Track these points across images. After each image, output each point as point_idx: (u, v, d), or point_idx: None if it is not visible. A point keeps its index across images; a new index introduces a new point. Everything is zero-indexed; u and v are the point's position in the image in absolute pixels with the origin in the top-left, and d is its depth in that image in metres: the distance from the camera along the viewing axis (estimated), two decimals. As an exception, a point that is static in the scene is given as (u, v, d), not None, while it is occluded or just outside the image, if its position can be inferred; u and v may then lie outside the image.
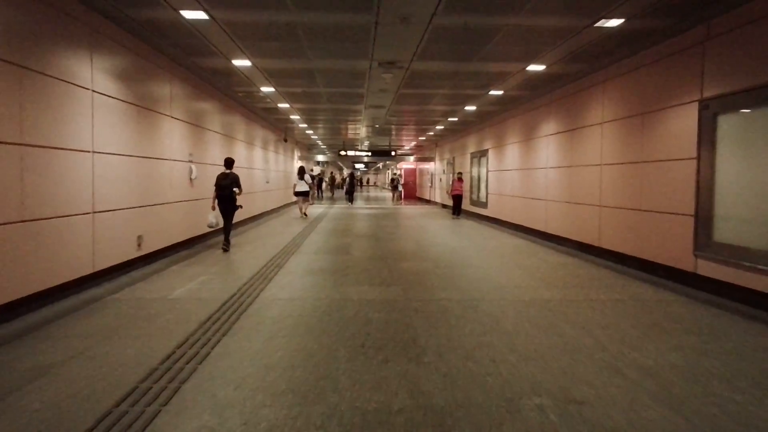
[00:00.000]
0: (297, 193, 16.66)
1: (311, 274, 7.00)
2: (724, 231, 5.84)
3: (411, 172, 34.77)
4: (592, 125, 9.04)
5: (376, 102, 13.21)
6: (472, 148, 18.29)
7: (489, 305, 5.42)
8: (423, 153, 30.09)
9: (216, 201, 8.80)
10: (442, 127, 18.64)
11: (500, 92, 11.29)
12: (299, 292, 5.98)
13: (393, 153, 25.75)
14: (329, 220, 15.99)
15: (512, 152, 13.63)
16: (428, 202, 28.57)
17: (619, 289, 6.31)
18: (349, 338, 4.29)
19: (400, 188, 29.52)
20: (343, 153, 25.60)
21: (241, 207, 9.21)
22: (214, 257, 8.41)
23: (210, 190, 9.14)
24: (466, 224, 15.14)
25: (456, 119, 16.17)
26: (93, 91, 5.98)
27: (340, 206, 24.56)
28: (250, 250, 9.21)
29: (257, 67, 9.19)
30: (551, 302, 5.59)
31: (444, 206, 23.63)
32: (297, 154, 26.15)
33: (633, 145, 7.69)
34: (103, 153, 6.22)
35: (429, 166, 28.94)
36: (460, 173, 16.18)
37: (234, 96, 12.30)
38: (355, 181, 28.35)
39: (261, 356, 3.85)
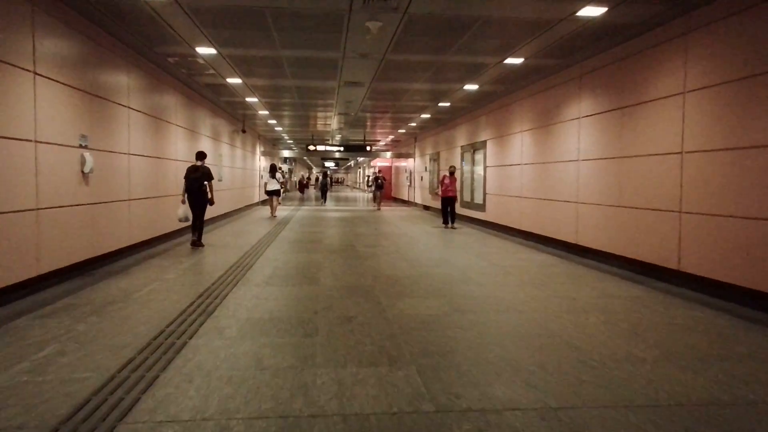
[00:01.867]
0: (268, 192, 15.97)
1: (250, 338, 4.14)
2: None
3: (386, 171, 32.00)
4: (661, 99, 6.47)
5: (354, 76, 10.40)
6: (462, 141, 15.66)
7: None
8: (400, 149, 27.39)
9: (185, 195, 8.63)
10: (428, 115, 15.94)
11: (519, 60, 8.64)
12: (214, 407, 3.10)
13: (368, 148, 22.94)
14: (296, 226, 13.09)
15: (521, 143, 11.03)
16: (406, 203, 25.89)
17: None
18: None
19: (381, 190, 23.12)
20: (311, 148, 22.64)
21: (212, 202, 8.96)
22: (74, 319, 5.45)
23: (130, 189, 7.82)
24: (460, 230, 12.51)
25: (448, 104, 13.50)
26: None
27: (310, 207, 21.61)
28: (159, 288, 6.24)
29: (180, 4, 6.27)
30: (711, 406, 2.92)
31: (426, 208, 20.98)
32: (260, 149, 23.06)
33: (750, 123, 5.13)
34: None
35: (407, 163, 26.24)
36: (452, 168, 13.37)
37: (165, 66, 9.29)
38: (327, 180, 27.92)
39: None
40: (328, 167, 57.82)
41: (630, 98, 7.11)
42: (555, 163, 9.43)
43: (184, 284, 5.88)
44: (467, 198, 15.08)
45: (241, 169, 18.11)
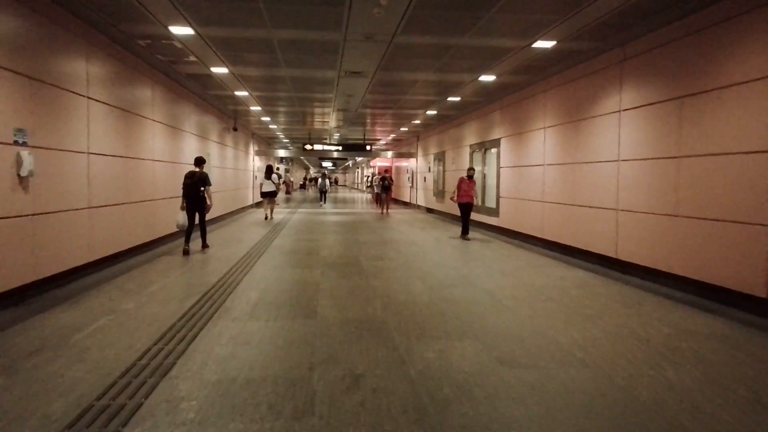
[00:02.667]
0: (264, 194, 15.17)
1: (215, 424, 2.88)
2: None
3: (385, 171, 30.74)
4: (737, 84, 5.24)
5: (356, 64, 9.15)
6: (471, 139, 14.41)
7: None
8: (401, 148, 26.15)
9: (184, 201, 8.53)
10: (434, 112, 14.69)
11: (550, 44, 7.40)
12: None
13: (368, 147, 21.68)
14: (291, 232, 11.83)
15: (544, 140, 9.79)
16: (407, 205, 24.63)
17: None
18: None
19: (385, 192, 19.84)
20: (308, 147, 21.37)
21: (209, 206, 8.80)
22: None
23: (90, 195, 6.65)
24: (473, 238, 11.27)
25: (458, 98, 12.26)
26: None
27: (307, 210, 20.34)
28: (108, 326, 4.95)
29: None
30: None
31: (429, 211, 19.74)
32: (253, 148, 21.78)
33: None
34: None
35: (408, 163, 24.99)
36: (471, 170, 11.52)
37: (137, 50, 8.01)
38: (326, 180, 26.56)
39: None
40: (326, 167, 56.62)
41: (695, 85, 5.87)
42: (588, 164, 8.19)
43: (144, 319, 4.61)
44: (492, 203, 13.82)
45: (233, 169, 16.83)
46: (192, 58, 8.64)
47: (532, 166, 10.29)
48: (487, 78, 9.85)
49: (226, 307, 5.12)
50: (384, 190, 19.54)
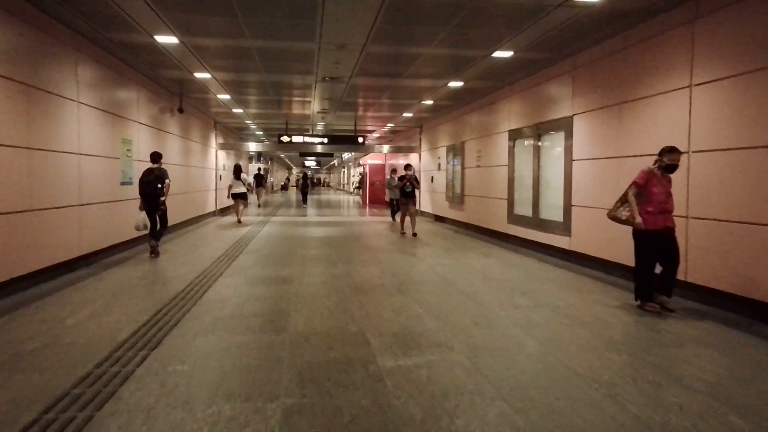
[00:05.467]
0: (233, 196, 14.29)
1: None
2: None
3: (379, 169, 26.50)
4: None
5: (338, 35, 4.96)
6: (512, 122, 10.24)
7: None
8: (398, 141, 21.92)
9: (142, 200, 7.86)
10: (459, 83, 10.44)
11: None
12: None
13: (360, 140, 17.41)
14: (252, 260, 7.52)
15: (686, 110, 5.64)
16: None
17: None
18: None
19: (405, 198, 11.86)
20: (285, 139, 17.03)
21: (164, 207, 7.93)
22: None
23: None
24: (534, 268, 7.11)
25: (499, 58, 8.08)
26: None
27: (285, 217, 15.95)
28: None
29: None
30: None
31: (438, 219, 15.54)
32: (216, 141, 17.35)
33: None
34: None
35: (406, 160, 20.76)
36: (675, 156, 4.93)
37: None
38: (308, 181, 25.38)
39: None
40: (309, 166, 52.21)
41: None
42: None
43: None
44: (523, 210, 9.67)
45: (181, 166, 12.43)
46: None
47: (653, 156, 6.13)
48: (560, 14, 5.68)
49: None
50: (407, 196, 11.49)
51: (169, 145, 11.43)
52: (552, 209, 8.63)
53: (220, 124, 17.60)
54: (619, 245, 6.52)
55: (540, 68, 8.79)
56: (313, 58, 8.34)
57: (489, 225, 11.44)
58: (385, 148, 19.32)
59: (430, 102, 12.74)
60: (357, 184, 35.00)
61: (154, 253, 7.99)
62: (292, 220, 15.96)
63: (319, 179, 75.23)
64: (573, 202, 7.89)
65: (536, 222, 9.11)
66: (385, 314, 4.84)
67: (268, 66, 9.05)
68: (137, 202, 8.81)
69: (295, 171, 64.06)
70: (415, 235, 11.31)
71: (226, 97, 12.26)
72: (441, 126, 15.56)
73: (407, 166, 11.71)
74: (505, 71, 9.16)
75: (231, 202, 19.18)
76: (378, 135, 22.11)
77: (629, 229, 5.16)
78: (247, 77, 10.06)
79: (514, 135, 10.14)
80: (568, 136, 8.03)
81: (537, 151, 9.19)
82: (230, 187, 14.26)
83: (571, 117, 7.96)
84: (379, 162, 26.40)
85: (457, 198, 13.62)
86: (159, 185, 7.82)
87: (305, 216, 17.68)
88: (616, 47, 6.87)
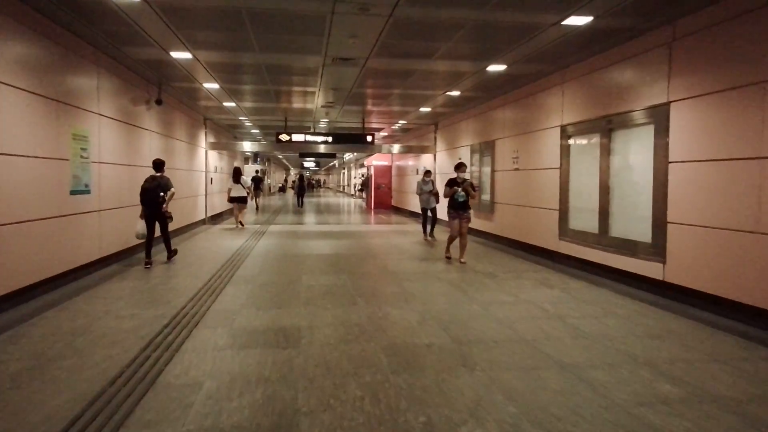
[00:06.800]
0: (232, 199, 14.00)
1: None
2: None
3: (385, 171, 24.52)
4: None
5: None
6: (569, 115, 8.28)
7: None
8: (408, 140, 19.94)
9: (143, 209, 7.64)
10: (501, 66, 8.44)
11: None
12: None
13: (369, 138, 15.42)
14: (244, 299, 5.53)
15: None
16: (415, 215, 18.37)
17: None
18: None
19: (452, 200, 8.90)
20: (285, 138, 15.06)
21: (170, 217, 7.82)
22: None
23: None
24: (624, 309, 5.15)
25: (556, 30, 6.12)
26: None
27: (282, 227, 13.94)
28: None
29: None
30: None
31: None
32: (207, 140, 15.33)
33: None
34: None
35: (414, 162, 18.79)
36: None
37: None
38: (304, 183, 25.28)
39: None
40: (308, 168, 50.22)
41: None
42: None
43: None
44: (582, 224, 7.70)
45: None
46: None
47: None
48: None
49: None
50: (459, 207, 8.44)
51: (144, 143, 9.43)
52: (632, 225, 6.66)
53: (210, 121, 15.59)
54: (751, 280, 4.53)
55: (617, 42, 6.81)
56: (324, 29, 6.36)
57: (530, 239, 9.48)
58: (396, 147, 17.31)
59: (456, 93, 10.76)
60: (359, 187, 33.01)
61: (150, 263, 7.60)
62: (292, 229, 13.96)
63: (318, 181, 73.15)
64: (670, 218, 5.92)
65: (606, 240, 7.14)
66: (462, 429, 2.85)
67: (265, 42, 7.06)
68: (96, 215, 6.79)
69: (293, 172, 62.05)
70: (463, 262, 8.29)
71: (215, 86, 10.26)
72: (462, 123, 13.59)
73: (459, 166, 8.67)
74: (567, 48, 7.18)
75: (224, 208, 17.29)
76: (385, 134, 20.13)
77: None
78: (239, 58, 8.07)
79: (570, 131, 8.17)
80: (661, 130, 6.06)
81: (606, 150, 7.21)
82: (229, 190, 13.95)
83: (667, 105, 5.98)
84: (385, 163, 24.41)
85: (485, 206, 11.64)
86: (161, 194, 7.61)
87: (305, 224, 15.68)
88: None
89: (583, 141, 7.89)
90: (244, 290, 6.21)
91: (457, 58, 7.86)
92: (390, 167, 24.37)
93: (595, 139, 7.50)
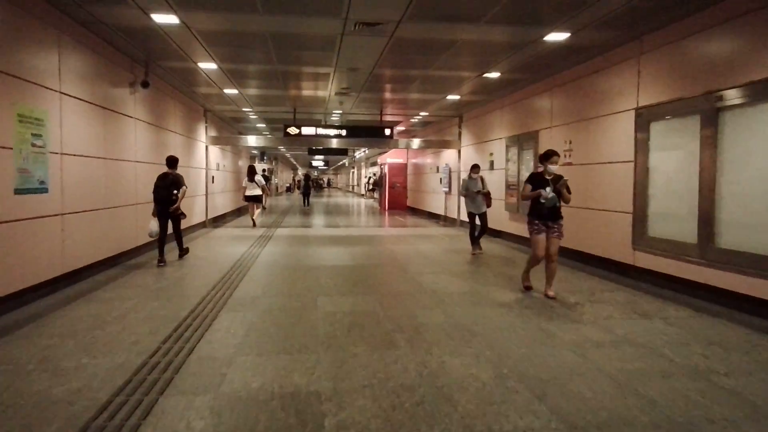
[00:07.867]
0: (247, 198, 13.97)
1: None
2: None
3: (400, 169, 22.92)
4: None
5: None
6: (649, 95, 6.65)
7: None
8: (428, 135, 18.34)
9: (155, 206, 7.48)
10: (552, 38, 6.77)
11: None
12: None
13: (388, 132, 13.84)
14: (242, 336, 3.95)
15: None
16: (435, 217, 16.82)
17: None
18: None
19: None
20: (293, 131, 13.52)
21: (183, 215, 7.71)
22: None
23: None
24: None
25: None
26: None
27: (292, 229, 12.38)
28: None
29: None
30: None
31: (491, 233, 11.88)
32: (207, 134, 13.84)
33: None
34: None
35: (433, 159, 17.17)
36: None
37: None
38: (310, 183, 25.22)
39: None
40: (317, 166, 48.76)
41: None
42: None
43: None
44: (670, 232, 6.07)
45: (151, 164, 8.87)
46: None
47: None
48: None
49: None
50: (547, 217, 5.71)
51: (127, 132, 7.91)
52: (754, 235, 5.03)
53: (211, 112, 14.08)
54: None
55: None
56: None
57: (590, 249, 7.87)
58: (416, 142, 15.69)
59: (494, 75, 9.14)
60: (371, 186, 31.43)
61: (163, 261, 7.44)
62: (302, 233, 12.41)
63: (328, 180, 71.51)
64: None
65: (712, 253, 5.51)
66: None
67: (271, 3, 5.49)
68: (58, 220, 5.28)
69: (300, 171, 60.64)
70: (552, 297, 5.63)
71: (212, 66, 8.72)
72: (493, 113, 11.98)
73: (546, 156, 5.73)
74: (643, 12, 5.56)
75: (225, 210, 16.20)
76: (402, 128, 18.54)
77: None
78: (238, 24, 6.52)
79: (650, 115, 6.54)
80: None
81: (710, 138, 5.57)
82: (244, 189, 14.11)
83: (821, 71, 4.35)
84: (400, 161, 22.81)
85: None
86: (175, 191, 7.49)
87: (315, 227, 14.15)
88: None
89: (672, 126, 6.25)
90: (242, 321, 4.65)
91: (513, 22, 6.26)
92: (405, 165, 22.78)
93: (691, 125, 5.86)
